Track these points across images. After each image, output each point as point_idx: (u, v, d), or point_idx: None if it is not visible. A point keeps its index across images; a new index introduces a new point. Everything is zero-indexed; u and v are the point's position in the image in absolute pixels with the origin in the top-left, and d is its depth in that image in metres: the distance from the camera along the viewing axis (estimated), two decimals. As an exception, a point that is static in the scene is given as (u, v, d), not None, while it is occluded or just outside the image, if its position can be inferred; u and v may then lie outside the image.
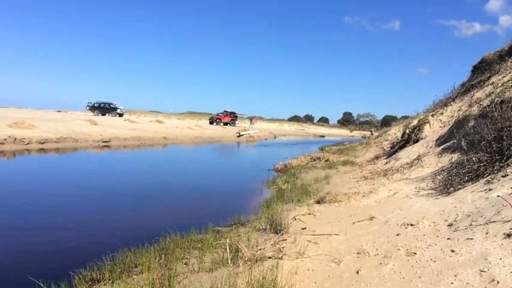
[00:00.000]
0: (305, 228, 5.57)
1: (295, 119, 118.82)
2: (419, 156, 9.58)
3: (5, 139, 18.11)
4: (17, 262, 5.39)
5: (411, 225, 4.62)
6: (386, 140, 18.26)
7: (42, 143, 19.86)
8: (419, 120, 13.36)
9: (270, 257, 4.32)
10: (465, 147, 7.33)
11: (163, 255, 4.78)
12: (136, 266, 4.62)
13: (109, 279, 4.31)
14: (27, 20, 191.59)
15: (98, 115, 51.21)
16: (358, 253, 4.15)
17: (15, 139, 18.56)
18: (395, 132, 18.81)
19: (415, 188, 6.98)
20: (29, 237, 6.44)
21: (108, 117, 48.50)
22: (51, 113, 49.87)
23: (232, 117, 64.50)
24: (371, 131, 53.51)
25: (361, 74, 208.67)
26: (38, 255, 5.67)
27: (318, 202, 7.38)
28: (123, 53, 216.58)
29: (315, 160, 15.90)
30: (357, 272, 3.68)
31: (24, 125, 21.70)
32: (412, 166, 9.04)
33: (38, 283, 3.93)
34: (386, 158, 12.58)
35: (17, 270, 5.02)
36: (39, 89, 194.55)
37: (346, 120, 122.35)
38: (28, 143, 19.09)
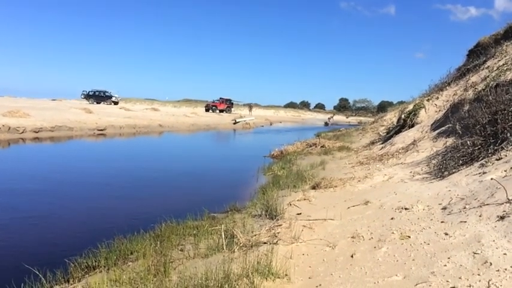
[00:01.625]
0: (300, 213, 5.59)
1: (291, 105, 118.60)
2: (414, 141, 9.60)
3: (-1, 128, 18.00)
4: (12, 250, 5.38)
5: (405, 209, 4.64)
6: (382, 126, 18.29)
7: (36, 132, 19.75)
8: (414, 105, 13.36)
9: (265, 243, 4.34)
10: (460, 131, 7.33)
11: (158, 242, 4.78)
12: (132, 253, 4.63)
13: (104, 266, 4.32)
14: (20, 9, 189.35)
15: (93, 103, 50.88)
16: (352, 237, 4.17)
17: (9, 128, 18.43)
18: (391, 117, 18.83)
19: (410, 172, 7.00)
20: (23, 224, 6.43)
21: (103, 106, 48.18)
22: (46, 102, 49.48)
23: (228, 105, 64.24)
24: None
25: (358, 59, 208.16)
26: (33, 243, 5.67)
27: (314, 188, 7.40)
28: (117, 41, 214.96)
29: (310, 146, 15.90)
30: (352, 256, 3.70)
31: (19, 114, 21.52)
32: (407, 151, 9.06)
33: (34, 271, 3.93)
34: (382, 143, 12.60)
35: (12, 258, 5.01)
36: (33, 78, 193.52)
37: (343, 106, 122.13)
38: (22, 132, 18.97)
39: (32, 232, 6.11)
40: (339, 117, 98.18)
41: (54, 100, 60.28)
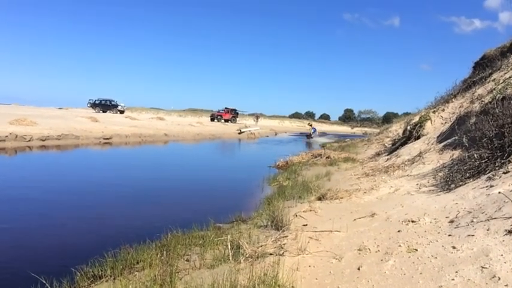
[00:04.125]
0: (306, 224, 5.58)
1: (296, 115, 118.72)
2: (420, 152, 9.58)
3: (7, 136, 18.13)
4: (19, 258, 5.40)
5: (412, 221, 4.63)
6: (388, 137, 18.25)
7: (43, 140, 19.88)
8: (420, 117, 13.34)
9: (271, 254, 4.33)
10: (466, 144, 7.32)
11: (164, 252, 4.78)
12: (138, 263, 4.63)
13: (111, 276, 4.33)
14: (28, 18, 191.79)
15: (99, 112, 51.21)
16: (359, 249, 4.16)
17: (16, 136, 18.58)
18: (396, 129, 18.79)
19: (417, 184, 6.98)
20: (30, 233, 6.46)
21: (109, 114, 48.46)
22: (52, 110, 49.87)
23: (233, 114, 64.44)
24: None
25: (363, 71, 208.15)
26: (39, 252, 5.69)
27: (319, 199, 7.39)
28: (123, 50, 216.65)
29: (316, 157, 15.89)
30: (358, 269, 3.69)
31: (26, 122, 21.72)
32: (413, 163, 9.04)
33: (40, 279, 3.94)
34: (388, 155, 12.57)
35: (19, 267, 5.03)
36: (40, 86, 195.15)
37: (348, 117, 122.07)
38: (29, 140, 19.11)
39: (38, 241, 6.13)
40: (343, 128, 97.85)
41: (60, 109, 60.82)
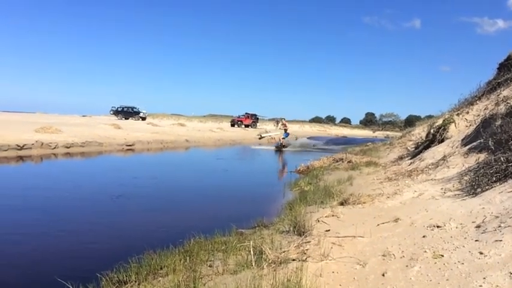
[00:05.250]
0: (329, 230, 5.54)
1: (316, 120, 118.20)
2: (444, 156, 9.41)
3: (33, 144, 18.58)
4: (46, 264, 5.53)
5: (438, 227, 4.55)
6: (410, 140, 17.98)
7: (68, 147, 20.30)
8: (444, 120, 13.11)
9: (294, 259, 4.31)
10: (492, 147, 7.16)
11: (188, 258, 4.82)
12: (161, 268, 4.68)
13: (135, 281, 4.38)
14: (53, 26, 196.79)
15: (121, 119, 52.07)
16: (383, 255, 4.11)
17: (42, 144, 19.03)
18: (419, 132, 18.49)
19: (441, 189, 6.86)
20: (57, 239, 6.60)
21: (131, 121, 49.26)
22: (76, 118, 50.96)
23: (253, 120, 64.63)
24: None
25: (383, 73, 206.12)
26: (65, 257, 5.80)
27: (342, 204, 7.33)
28: (145, 57, 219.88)
29: (337, 161, 15.77)
30: (383, 275, 3.64)
31: (51, 130, 22.22)
32: (437, 167, 8.88)
33: (67, 284, 4.02)
34: (411, 159, 12.39)
35: (46, 272, 5.14)
36: (63, 95, 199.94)
37: (369, 121, 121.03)
38: (55, 148, 19.54)
39: (65, 246, 6.26)
40: (364, 132, 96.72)
41: (84, 116, 62.14)
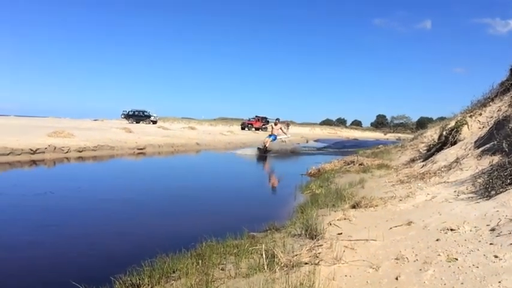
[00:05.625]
0: (341, 233, 5.51)
1: (327, 122, 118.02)
2: (457, 158, 9.32)
3: (46, 148, 18.80)
4: (60, 267, 5.58)
5: (451, 230, 4.51)
6: (422, 143, 17.82)
7: (80, 151, 20.50)
8: (456, 122, 12.98)
9: (306, 263, 4.30)
10: (506, 149, 7.07)
11: (200, 261, 4.83)
12: (174, 272, 4.69)
13: (148, 284, 4.40)
14: (66, 32, 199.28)
15: (132, 123, 52.50)
16: (396, 259, 4.08)
17: (55, 148, 19.24)
18: (431, 134, 18.32)
19: (454, 191, 6.79)
20: (70, 241, 6.66)
21: (142, 125, 49.64)
22: (88, 122, 51.46)
23: (263, 123, 64.70)
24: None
25: (394, 75, 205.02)
26: (79, 260, 5.85)
27: (354, 207, 7.29)
28: (155, 61, 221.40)
29: (348, 164, 15.69)
30: (396, 278, 3.62)
31: (63, 134, 22.47)
32: (450, 169, 8.80)
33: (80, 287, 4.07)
34: (423, 161, 12.28)
35: (60, 275, 5.19)
36: (75, 99, 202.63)
37: (380, 123, 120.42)
38: (67, 152, 19.74)
39: (78, 249, 6.31)
40: (375, 134, 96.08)
41: (96, 120, 62.70)
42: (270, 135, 27.17)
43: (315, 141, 57.19)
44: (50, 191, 10.87)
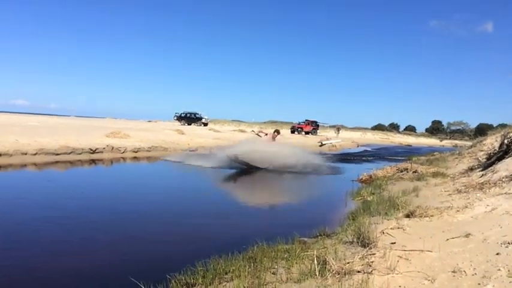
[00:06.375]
0: (394, 243, 5.40)
1: (379, 127, 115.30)
2: (520, 168, 8.86)
3: (104, 148, 19.75)
4: (120, 265, 5.85)
5: (513, 244, 4.31)
6: (482, 151, 17.04)
7: (135, 152, 21.33)
8: (519, 130, 12.33)
9: (358, 271, 4.26)
10: None
11: (252, 264, 4.91)
12: (226, 273, 4.79)
13: (202, 284, 4.53)
14: (122, 38, 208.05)
15: (184, 125, 53.76)
16: (453, 271, 3.96)
17: (112, 148, 20.17)
18: (491, 142, 17.48)
19: (517, 203, 6.47)
20: (129, 241, 6.94)
21: (194, 127, 50.71)
22: (142, 123, 53.37)
23: (313, 126, 64.21)
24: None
25: (452, 79, 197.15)
26: (137, 259, 6.09)
27: (407, 216, 7.11)
28: (206, 64, 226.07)
29: (402, 171, 15.28)
30: (453, 292, 3.52)
31: (120, 135, 23.48)
32: (512, 180, 8.38)
33: (139, 284, 4.25)
34: (482, 170, 11.75)
35: (120, 272, 5.44)
36: (131, 101, 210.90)
37: (435, 129, 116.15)
38: (123, 152, 20.61)
39: (136, 248, 6.57)
40: (430, 141, 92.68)
41: (149, 121, 64.82)
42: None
43: (362, 146, 55.84)
44: (108, 188, 11.39)
